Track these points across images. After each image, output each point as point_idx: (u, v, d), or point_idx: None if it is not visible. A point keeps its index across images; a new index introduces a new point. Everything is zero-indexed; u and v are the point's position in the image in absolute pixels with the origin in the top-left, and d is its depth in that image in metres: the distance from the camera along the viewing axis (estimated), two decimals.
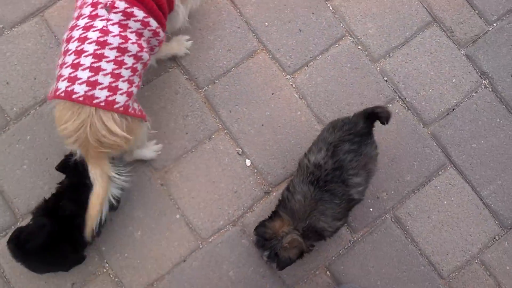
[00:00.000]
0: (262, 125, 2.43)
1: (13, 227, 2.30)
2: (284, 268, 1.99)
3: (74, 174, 2.08)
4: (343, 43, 2.53)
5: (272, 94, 2.46)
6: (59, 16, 2.49)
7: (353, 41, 2.53)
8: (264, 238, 1.95)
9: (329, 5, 2.56)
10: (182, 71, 2.48)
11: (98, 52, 1.72)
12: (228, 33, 2.52)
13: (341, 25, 2.55)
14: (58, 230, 2.04)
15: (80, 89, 1.69)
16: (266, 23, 2.53)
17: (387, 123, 1.94)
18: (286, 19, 2.53)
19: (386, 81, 2.50)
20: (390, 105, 2.48)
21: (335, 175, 1.91)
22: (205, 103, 2.45)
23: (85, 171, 1.89)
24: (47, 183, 2.34)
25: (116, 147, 1.79)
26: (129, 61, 1.78)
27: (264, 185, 2.38)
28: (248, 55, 2.50)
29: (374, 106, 2.00)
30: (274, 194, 2.37)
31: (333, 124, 2.03)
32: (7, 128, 2.38)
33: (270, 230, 1.95)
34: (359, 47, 2.53)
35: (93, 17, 1.77)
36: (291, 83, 2.48)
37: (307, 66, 2.50)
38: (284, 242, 1.93)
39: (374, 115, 1.94)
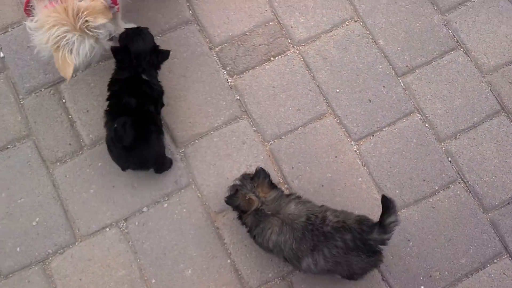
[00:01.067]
0: (322, 185, 2.58)
1: (70, 246, 2.43)
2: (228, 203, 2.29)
3: (129, 69, 2.39)
4: (411, 119, 2.70)
5: (336, 157, 2.63)
6: None
7: (421, 118, 2.70)
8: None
9: (400, 81, 2.76)
10: (251, 123, 2.69)
11: None
12: (300, 94, 2.73)
13: (411, 101, 2.73)
14: (137, 120, 2.31)
15: None
16: (338, 90, 2.75)
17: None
18: (357, 88, 2.74)
19: (450, 161, 2.64)
20: (452, 186, 2.59)
21: None
22: (269, 156, 2.64)
23: (138, 66, 2.34)
24: (110, 209, 2.52)
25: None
26: None
27: None
28: (317, 117, 2.70)
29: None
30: None
31: None
32: (81, 152, 2.62)
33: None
34: (426, 125, 2.70)
35: None
36: (355, 149, 2.65)
37: (373, 135, 2.67)
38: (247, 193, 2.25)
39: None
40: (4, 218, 2.54)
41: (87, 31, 2.11)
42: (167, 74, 2.77)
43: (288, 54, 2.84)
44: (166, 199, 2.58)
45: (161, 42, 2.78)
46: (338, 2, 2.92)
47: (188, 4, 2.90)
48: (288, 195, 2.31)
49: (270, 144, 2.69)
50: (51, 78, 2.75)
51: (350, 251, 2.11)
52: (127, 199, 2.59)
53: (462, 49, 2.87)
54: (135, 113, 2.34)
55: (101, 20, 2.10)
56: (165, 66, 2.71)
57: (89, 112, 2.70)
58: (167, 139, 2.70)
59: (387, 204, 2.03)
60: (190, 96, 2.75)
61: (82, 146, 2.66)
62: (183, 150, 2.68)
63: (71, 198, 2.58)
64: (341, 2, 2.93)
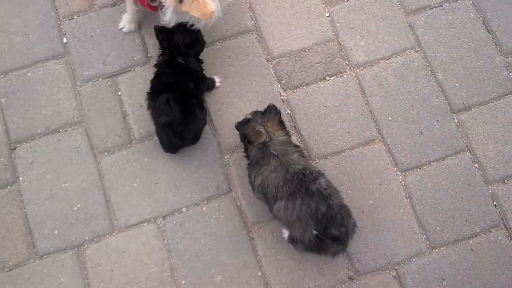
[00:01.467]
0: (363, 211, 2.59)
1: (107, 236, 2.50)
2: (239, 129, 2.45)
3: (168, 51, 2.58)
4: (460, 157, 2.71)
5: (380, 185, 2.64)
6: None
7: (471, 158, 2.71)
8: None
9: (455, 117, 2.78)
10: (299, 139, 2.77)
11: None
12: (351, 117, 2.77)
13: (463, 139, 2.74)
14: (179, 96, 2.46)
15: None
16: (390, 118, 2.76)
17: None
18: (410, 119, 2.75)
19: (495, 205, 2.63)
20: (493, 231, 2.58)
21: None
22: None
23: (174, 49, 2.53)
24: (150, 205, 2.59)
25: None
26: None
27: (350, 270, 2.52)
28: (365, 142, 2.73)
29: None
30: (357, 282, 2.48)
31: None
32: (129, 145, 2.70)
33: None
34: (475, 165, 2.69)
35: None
36: (400, 180, 2.66)
37: (420, 168, 2.68)
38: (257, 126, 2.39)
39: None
40: (46, 199, 2.64)
41: None
42: (222, 81, 2.82)
43: (345, 75, 2.87)
44: (206, 202, 2.63)
45: (220, 48, 2.86)
46: (401, 31, 2.94)
47: (251, 14, 2.96)
48: (296, 146, 2.46)
49: (315, 162, 2.73)
50: (110, 70, 2.84)
51: (313, 219, 2.25)
52: (168, 197, 2.65)
53: None
54: (175, 89, 2.47)
55: None
56: (221, 72, 2.87)
57: (142, 108, 2.77)
58: (214, 144, 2.77)
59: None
60: (242, 105, 2.81)
61: (132, 140, 2.74)
62: (228, 157, 2.74)
63: (114, 189, 2.65)
64: (404, 31, 2.94)
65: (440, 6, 3.03)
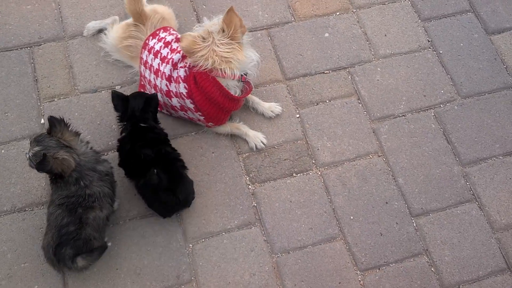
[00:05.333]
0: None
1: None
2: (40, 169, 2.32)
3: (127, 119, 2.85)
4: (418, 260, 3.00)
5: (339, 283, 2.90)
6: None
7: (428, 262, 3.00)
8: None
9: (413, 221, 3.10)
10: (263, 232, 3.00)
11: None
12: (315, 214, 3.07)
13: (421, 243, 3.04)
14: (163, 166, 2.74)
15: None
16: (352, 217, 3.07)
17: None
18: (371, 219, 3.06)
19: None
20: None
21: None
22: (274, 268, 2.91)
23: (132, 115, 2.83)
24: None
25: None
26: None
27: None
28: (327, 239, 3.01)
29: None
30: None
31: None
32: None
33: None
34: (432, 269, 2.98)
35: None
36: (359, 279, 2.92)
37: (379, 268, 2.95)
38: (59, 153, 2.36)
39: None
40: (3, 279, 2.84)
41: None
42: (192, 170, 3.12)
43: (310, 173, 3.20)
44: None
45: (194, 139, 3.22)
46: (365, 136, 3.33)
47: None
48: (97, 152, 2.70)
49: (278, 256, 2.97)
50: None
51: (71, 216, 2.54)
52: (127, 284, 2.85)
53: (476, 203, 3.21)
54: (158, 160, 2.71)
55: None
56: (192, 162, 3.14)
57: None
58: (179, 232, 3.00)
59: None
60: (210, 195, 3.08)
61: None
62: (191, 245, 2.96)
63: (73, 273, 2.81)
64: (368, 136, 3.34)
65: (404, 116, 3.46)
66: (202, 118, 3.05)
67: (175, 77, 2.95)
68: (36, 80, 3.31)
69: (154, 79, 3.04)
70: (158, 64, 2.99)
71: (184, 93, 2.90)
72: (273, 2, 3.73)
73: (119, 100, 2.80)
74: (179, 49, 2.96)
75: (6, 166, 3.02)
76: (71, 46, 3.43)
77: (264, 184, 3.13)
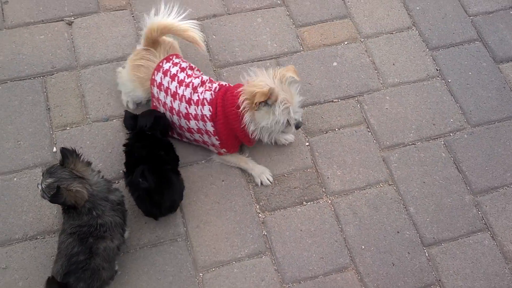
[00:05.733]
0: None
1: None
2: (53, 201, 2.34)
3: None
4: None
5: None
6: None
7: None
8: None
9: (426, 251, 3.10)
10: (273, 261, 2.99)
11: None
12: (326, 243, 3.07)
13: (433, 273, 3.03)
14: (152, 166, 2.76)
15: None
16: (363, 246, 3.07)
17: None
18: (383, 249, 3.05)
19: None
20: None
21: None
22: None
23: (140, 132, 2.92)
24: None
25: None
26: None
27: None
28: (339, 269, 3.01)
29: None
30: None
31: None
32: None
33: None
34: None
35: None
36: None
37: None
38: (72, 185, 2.38)
39: None
40: None
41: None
42: (202, 198, 3.14)
43: (321, 202, 3.22)
44: None
45: (204, 167, 3.29)
46: (375, 164, 3.35)
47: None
48: (98, 171, 2.65)
49: (289, 286, 2.96)
50: None
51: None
52: None
53: (489, 232, 3.20)
54: (149, 160, 2.76)
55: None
56: (202, 190, 3.17)
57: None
58: (189, 261, 2.99)
59: None
60: (220, 223, 3.09)
61: None
62: (202, 274, 2.96)
63: None
64: (378, 164, 3.35)
65: (413, 144, 3.48)
66: (217, 143, 3.08)
67: (195, 100, 3.04)
68: (49, 109, 3.34)
69: (171, 101, 3.09)
70: (176, 87, 3.07)
71: (208, 116, 2.95)
72: (282, 32, 3.77)
73: (130, 119, 2.92)
74: (193, 75, 3.11)
75: (18, 194, 3.05)
76: (83, 76, 3.47)
77: (274, 213, 3.14)
